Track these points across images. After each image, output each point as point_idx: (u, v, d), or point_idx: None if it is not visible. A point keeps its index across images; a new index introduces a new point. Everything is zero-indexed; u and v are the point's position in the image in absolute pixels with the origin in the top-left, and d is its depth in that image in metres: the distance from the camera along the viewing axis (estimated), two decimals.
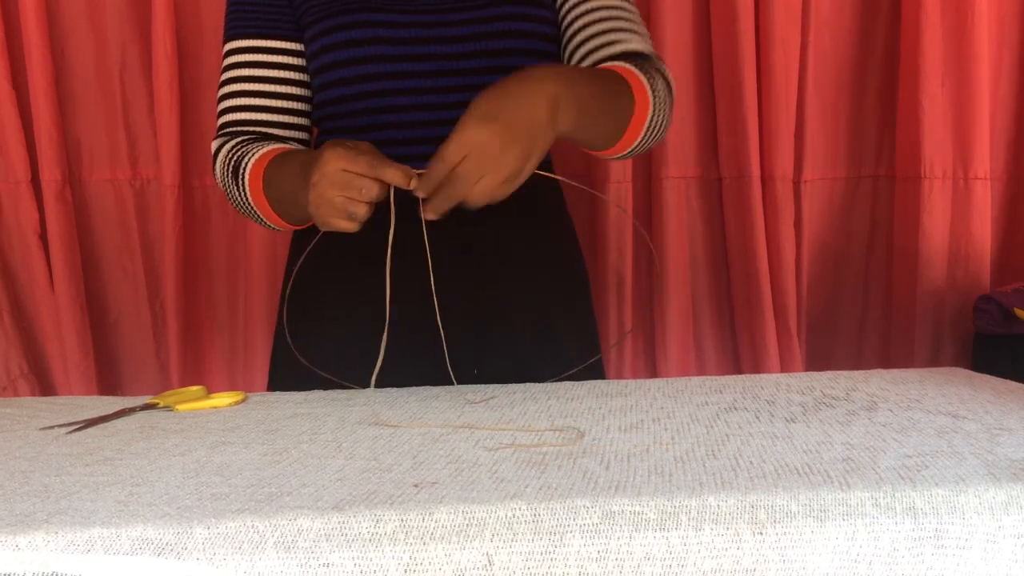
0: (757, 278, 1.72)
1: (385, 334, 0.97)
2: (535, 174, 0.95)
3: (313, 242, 1.05)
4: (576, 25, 1.15)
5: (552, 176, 1.10)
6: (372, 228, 0.95)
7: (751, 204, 1.72)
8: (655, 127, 1.09)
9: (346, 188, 0.90)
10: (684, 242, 1.78)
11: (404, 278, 1.05)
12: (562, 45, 1.17)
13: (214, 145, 1.17)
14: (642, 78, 1.06)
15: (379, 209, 0.94)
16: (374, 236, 0.96)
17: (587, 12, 1.15)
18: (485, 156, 0.87)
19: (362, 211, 0.91)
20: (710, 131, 1.78)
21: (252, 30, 1.16)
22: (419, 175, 0.91)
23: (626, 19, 1.15)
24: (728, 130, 1.74)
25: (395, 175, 0.90)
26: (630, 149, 1.10)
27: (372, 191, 0.90)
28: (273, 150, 1.10)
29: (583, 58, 1.13)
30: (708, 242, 1.81)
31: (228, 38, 1.18)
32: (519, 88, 0.91)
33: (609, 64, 1.09)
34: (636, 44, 1.13)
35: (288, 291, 1.24)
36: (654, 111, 1.07)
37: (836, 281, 1.83)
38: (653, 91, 1.07)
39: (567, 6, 1.16)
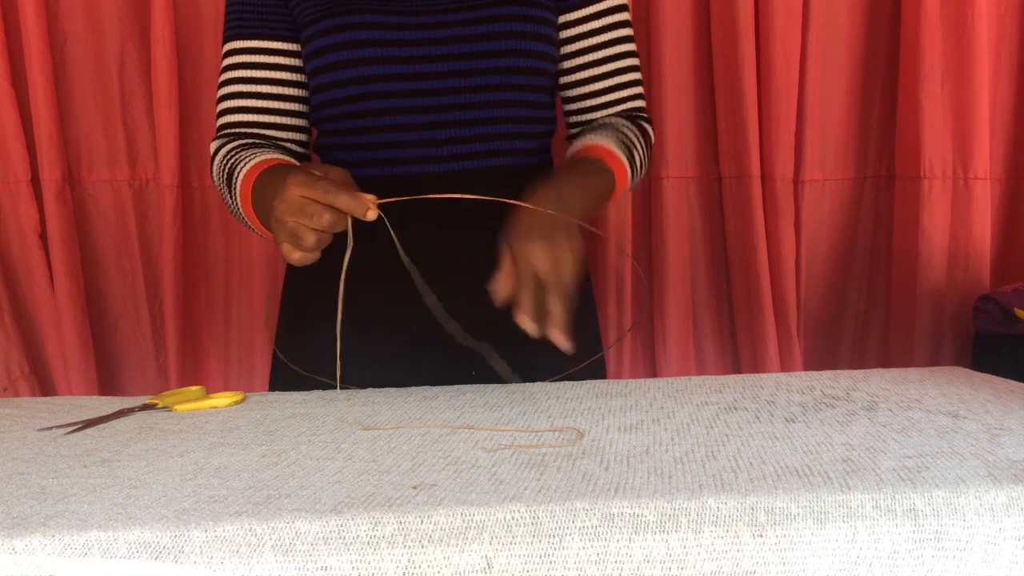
0: (757, 278, 1.72)
1: (338, 352, 0.96)
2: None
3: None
4: (574, 77, 1.21)
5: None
6: (372, 233, 0.94)
7: (751, 204, 1.72)
8: (632, 187, 1.23)
9: (299, 214, 0.88)
10: (684, 242, 1.77)
11: (405, 278, 1.05)
12: (558, 76, 1.21)
13: (213, 147, 1.17)
14: (623, 159, 1.15)
15: (379, 217, 0.92)
16: (375, 240, 0.96)
17: (587, 66, 1.20)
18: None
19: (310, 239, 0.88)
20: (710, 131, 1.78)
21: (249, 31, 1.16)
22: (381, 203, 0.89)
23: (621, 71, 1.21)
24: (728, 130, 1.74)
25: (350, 203, 0.87)
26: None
27: (323, 219, 0.87)
28: (264, 161, 1.09)
29: (578, 112, 1.23)
30: (708, 242, 1.81)
31: (226, 39, 1.18)
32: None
33: (597, 145, 1.14)
34: (629, 104, 1.23)
35: (284, 292, 1.25)
36: (632, 180, 1.19)
37: (836, 281, 1.82)
38: (632, 165, 1.17)
39: (567, 34, 1.19)
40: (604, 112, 1.22)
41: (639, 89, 1.24)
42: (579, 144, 1.17)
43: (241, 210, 1.10)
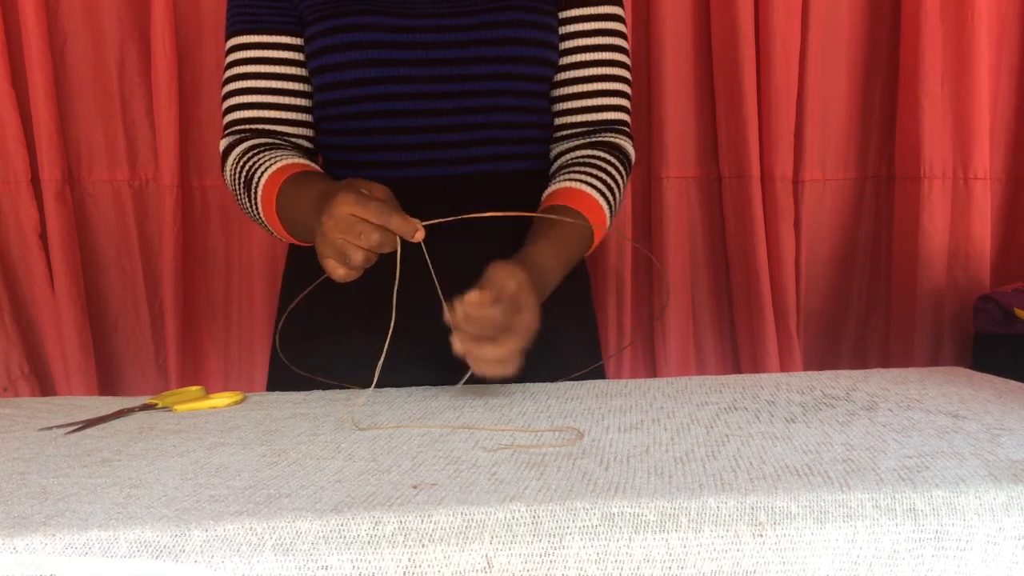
0: (757, 278, 1.72)
1: (382, 359, 0.95)
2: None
3: (315, 284, 1.03)
4: (561, 76, 1.17)
5: (546, 216, 1.08)
6: None
7: (751, 204, 1.72)
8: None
9: (347, 231, 0.88)
10: (684, 242, 1.78)
11: (405, 280, 1.05)
12: (552, 80, 1.18)
13: (222, 144, 1.15)
14: (604, 209, 1.11)
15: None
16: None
17: (575, 66, 1.17)
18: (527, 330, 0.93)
19: (358, 257, 0.88)
20: (710, 131, 1.78)
21: (255, 25, 1.14)
22: (425, 224, 0.90)
23: (608, 77, 1.17)
24: (728, 130, 1.74)
25: (401, 225, 0.88)
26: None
27: (371, 238, 0.87)
28: (286, 167, 1.07)
29: (561, 113, 1.19)
30: (708, 242, 1.81)
31: (230, 34, 1.16)
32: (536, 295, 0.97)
33: (575, 189, 1.11)
34: (611, 114, 1.18)
35: (285, 293, 1.24)
36: (609, 222, 1.15)
37: (836, 281, 1.83)
38: (611, 208, 1.13)
39: (565, 43, 1.17)
40: (585, 117, 1.18)
41: (625, 101, 1.19)
42: (559, 185, 1.12)
43: (263, 216, 1.09)
